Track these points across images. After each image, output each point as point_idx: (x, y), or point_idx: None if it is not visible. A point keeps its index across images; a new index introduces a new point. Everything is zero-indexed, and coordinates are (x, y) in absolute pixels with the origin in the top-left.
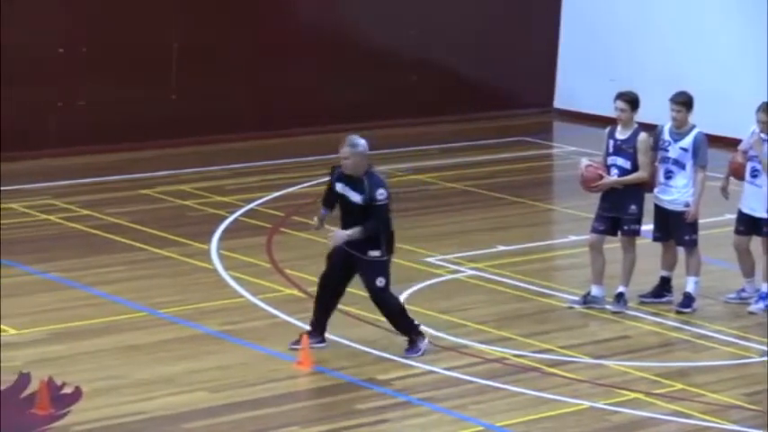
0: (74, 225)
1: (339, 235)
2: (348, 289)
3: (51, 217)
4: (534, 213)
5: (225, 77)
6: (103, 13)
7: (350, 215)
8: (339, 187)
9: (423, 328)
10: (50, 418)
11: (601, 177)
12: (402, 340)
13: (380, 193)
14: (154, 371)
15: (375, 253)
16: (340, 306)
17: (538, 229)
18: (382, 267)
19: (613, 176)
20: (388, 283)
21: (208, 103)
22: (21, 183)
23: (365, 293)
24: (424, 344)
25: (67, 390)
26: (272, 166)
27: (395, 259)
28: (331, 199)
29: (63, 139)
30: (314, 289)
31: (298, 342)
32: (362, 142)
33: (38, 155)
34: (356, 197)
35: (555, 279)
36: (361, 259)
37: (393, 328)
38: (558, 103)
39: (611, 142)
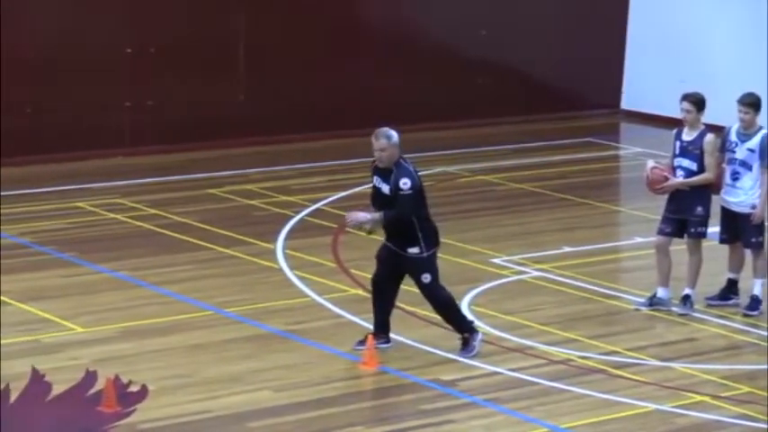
0: (141, 224)
1: (354, 216)
2: (413, 289)
3: (119, 216)
4: (600, 215)
5: (292, 77)
6: (171, 13)
7: (381, 208)
8: (376, 181)
9: (487, 329)
10: (117, 416)
11: (666, 179)
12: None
13: (404, 183)
14: (219, 370)
15: (414, 250)
16: (405, 306)
17: (604, 230)
18: (425, 263)
19: (679, 178)
20: (435, 278)
21: (275, 103)
22: (88, 182)
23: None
24: (477, 341)
25: (134, 388)
26: (338, 166)
27: (461, 260)
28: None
29: (131, 138)
30: None
31: (363, 342)
32: (396, 134)
33: (106, 154)
34: (386, 188)
35: (621, 281)
36: (404, 257)
37: (446, 324)
38: (626, 104)
39: (678, 144)
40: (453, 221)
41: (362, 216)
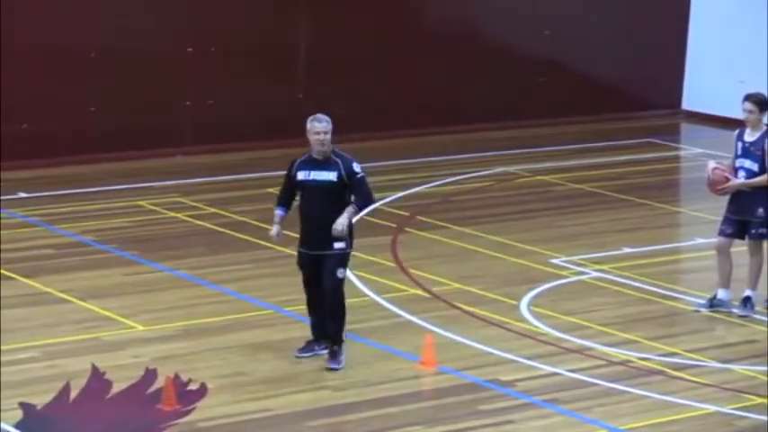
0: (201, 223)
1: (341, 222)
2: (472, 289)
3: (179, 215)
4: (661, 215)
5: (352, 77)
6: (232, 13)
7: (321, 200)
8: (303, 175)
9: (547, 329)
10: (176, 414)
11: (728, 180)
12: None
13: (357, 166)
14: (278, 368)
15: (341, 245)
16: (464, 306)
17: (664, 231)
18: (345, 258)
19: (741, 179)
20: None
21: (334, 103)
22: (149, 181)
23: (491, 294)
24: (344, 354)
25: (193, 386)
26: (397, 166)
27: (520, 260)
28: (289, 196)
29: (191, 137)
30: (438, 288)
31: (305, 350)
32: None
33: (166, 153)
34: (330, 175)
35: (681, 282)
36: (323, 255)
37: (328, 326)
38: (687, 104)
39: (740, 144)
40: (513, 221)
41: (345, 220)
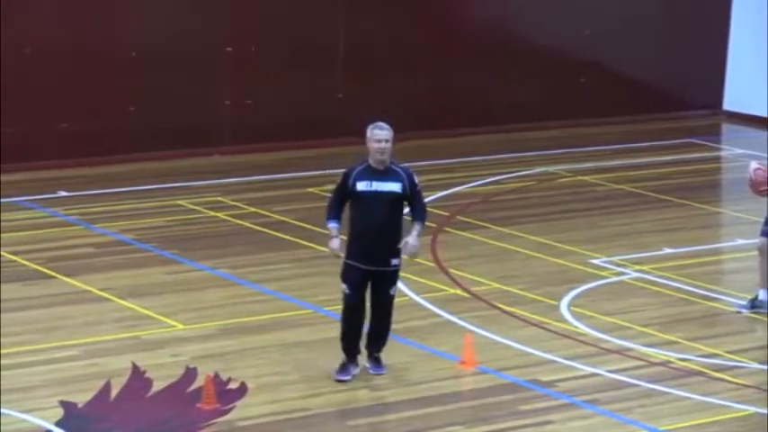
0: (241, 222)
1: (415, 244)
2: (512, 289)
3: (219, 214)
4: (701, 216)
5: (391, 77)
6: (272, 12)
7: (382, 212)
8: (363, 186)
9: (587, 329)
10: (216, 413)
11: None
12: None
13: (416, 177)
14: (318, 368)
15: (397, 261)
16: (504, 306)
17: (705, 231)
18: (398, 274)
19: None
20: None
21: (373, 102)
22: (189, 180)
23: (530, 294)
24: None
25: (233, 385)
26: (437, 166)
27: (561, 260)
28: (342, 207)
29: (230, 137)
30: (478, 288)
31: (344, 372)
32: None
33: (205, 152)
34: (394, 186)
35: (722, 283)
36: (380, 271)
37: (374, 341)
38: (728, 104)
39: None
40: (553, 222)
41: (417, 241)
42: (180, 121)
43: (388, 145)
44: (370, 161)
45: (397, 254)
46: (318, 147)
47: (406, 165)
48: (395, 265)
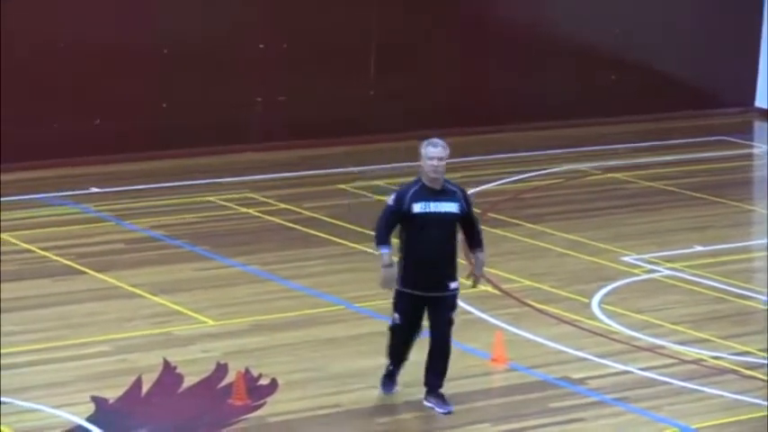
0: (272, 219)
1: (482, 274)
2: (543, 287)
3: (250, 210)
4: (733, 214)
5: (422, 74)
6: (304, 10)
7: (440, 234)
8: (420, 207)
9: (618, 327)
10: (246, 409)
11: None
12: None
13: (471, 197)
14: (349, 365)
15: (455, 284)
16: (535, 304)
17: (737, 229)
18: (456, 298)
19: None
20: None
21: (404, 100)
22: (220, 176)
23: (562, 292)
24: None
25: (264, 381)
26: (468, 163)
27: (592, 258)
28: (392, 231)
29: (262, 133)
30: (509, 286)
31: (389, 385)
32: None
33: (236, 149)
34: (452, 207)
35: (754, 281)
36: (436, 297)
37: (436, 376)
38: (760, 101)
39: None
40: (584, 219)
41: (482, 271)
42: (211, 117)
43: (443, 163)
44: (424, 180)
45: (454, 277)
46: (350, 144)
47: (458, 183)
48: (454, 289)
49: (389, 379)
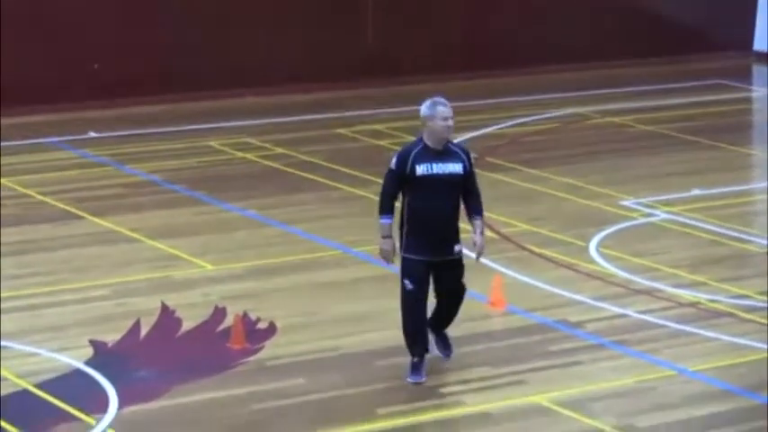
0: (270, 163)
1: (483, 244)
2: (541, 231)
3: (248, 155)
4: (731, 157)
5: (422, 19)
6: None
7: (444, 197)
8: (423, 169)
9: (616, 270)
10: (245, 353)
11: None
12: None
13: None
14: (347, 308)
15: (459, 247)
16: (533, 248)
17: (735, 173)
18: (462, 262)
19: None
20: None
21: (404, 44)
22: (218, 121)
23: (560, 235)
24: None
25: (262, 325)
26: (467, 107)
27: (590, 202)
28: (395, 198)
29: (260, 78)
30: (507, 230)
31: (418, 374)
32: None
33: (235, 94)
34: (456, 168)
35: (752, 224)
36: (444, 261)
37: (444, 324)
38: (758, 45)
39: None
40: (582, 163)
41: (483, 240)
42: (210, 62)
43: (450, 122)
44: (428, 141)
45: (458, 240)
46: (347, 89)
47: (460, 142)
48: (459, 252)
49: (416, 370)
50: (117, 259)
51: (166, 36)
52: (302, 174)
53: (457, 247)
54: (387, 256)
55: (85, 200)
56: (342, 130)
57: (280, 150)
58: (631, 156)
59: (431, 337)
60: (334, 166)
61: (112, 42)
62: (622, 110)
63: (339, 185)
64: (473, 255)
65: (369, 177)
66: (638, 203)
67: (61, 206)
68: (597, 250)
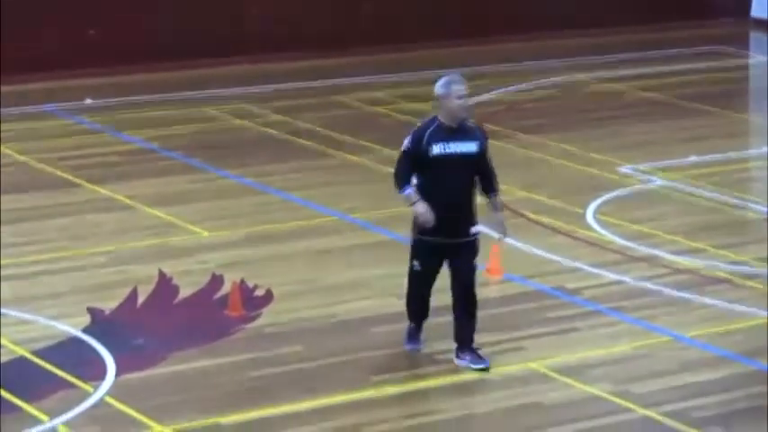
0: (267, 130)
1: (502, 220)
2: (539, 197)
3: (246, 122)
4: (729, 124)
5: None
6: None
7: (460, 177)
8: (439, 149)
9: (613, 237)
10: (242, 320)
11: None
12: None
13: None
14: (344, 276)
15: (476, 228)
16: (530, 215)
17: (733, 139)
18: (478, 244)
19: None
20: None
21: (401, 11)
22: (216, 88)
23: (557, 202)
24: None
25: (259, 292)
26: (464, 73)
27: (588, 168)
28: (412, 175)
29: (258, 45)
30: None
31: (413, 341)
32: None
33: (234, 61)
34: (472, 147)
35: (750, 191)
36: (458, 243)
37: (466, 330)
38: (756, 11)
39: None
40: (580, 129)
41: (503, 217)
42: (208, 29)
43: (466, 101)
44: (443, 119)
45: (475, 221)
46: (343, 56)
47: (475, 121)
48: (475, 234)
49: (413, 338)
50: (114, 227)
51: (163, 2)
52: (299, 141)
53: (474, 229)
54: (426, 218)
55: (83, 167)
56: (339, 97)
57: (277, 117)
58: (629, 122)
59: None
60: (331, 133)
61: (109, 8)
62: (620, 77)
63: (336, 152)
64: (495, 234)
65: (366, 144)
66: (636, 170)
67: (59, 173)
68: (595, 217)
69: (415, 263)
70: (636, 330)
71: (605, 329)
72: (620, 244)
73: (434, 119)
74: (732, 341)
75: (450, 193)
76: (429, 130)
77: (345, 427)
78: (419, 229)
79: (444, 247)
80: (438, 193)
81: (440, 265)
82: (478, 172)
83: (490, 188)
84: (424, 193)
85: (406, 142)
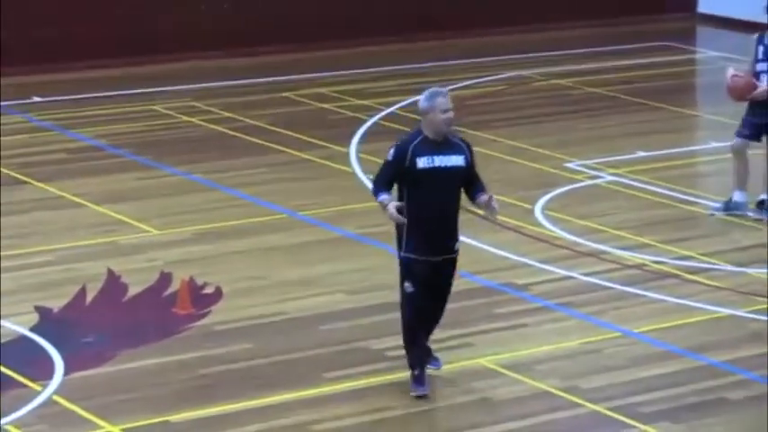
0: (215, 127)
1: (492, 196)
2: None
3: (194, 119)
4: (676, 119)
5: None
6: None
7: (447, 192)
8: (424, 162)
9: (561, 233)
10: (191, 318)
11: (755, 86)
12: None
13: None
14: (293, 273)
15: (457, 245)
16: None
17: (680, 135)
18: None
19: (763, 84)
20: None
21: (349, 7)
22: (163, 85)
23: (505, 198)
24: None
25: (208, 290)
26: (411, 71)
27: (535, 164)
28: (391, 186)
29: (205, 42)
30: None
31: (422, 385)
32: None
33: (180, 58)
34: (458, 160)
35: (696, 186)
36: (443, 260)
37: (429, 335)
38: (702, 7)
39: (761, 48)
40: (527, 125)
41: (490, 196)
42: (154, 26)
43: (451, 114)
44: (428, 133)
45: (457, 237)
46: (294, 51)
47: (458, 133)
48: (457, 250)
49: (419, 382)
50: (62, 225)
51: (111, 0)
52: (248, 138)
53: (457, 245)
54: (398, 216)
55: (30, 165)
56: (287, 94)
57: (226, 114)
58: (576, 118)
59: None
60: (280, 130)
61: (57, 5)
62: (566, 72)
63: (285, 149)
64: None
65: (314, 141)
66: (584, 166)
67: (5, 171)
68: (543, 213)
69: (407, 284)
70: (584, 326)
71: (554, 325)
72: (568, 239)
73: (418, 132)
74: (679, 336)
75: (440, 209)
76: (413, 144)
77: (297, 425)
78: (407, 248)
79: (433, 265)
80: (426, 208)
81: (432, 287)
82: (466, 184)
83: (478, 191)
84: (412, 208)
85: (390, 154)
